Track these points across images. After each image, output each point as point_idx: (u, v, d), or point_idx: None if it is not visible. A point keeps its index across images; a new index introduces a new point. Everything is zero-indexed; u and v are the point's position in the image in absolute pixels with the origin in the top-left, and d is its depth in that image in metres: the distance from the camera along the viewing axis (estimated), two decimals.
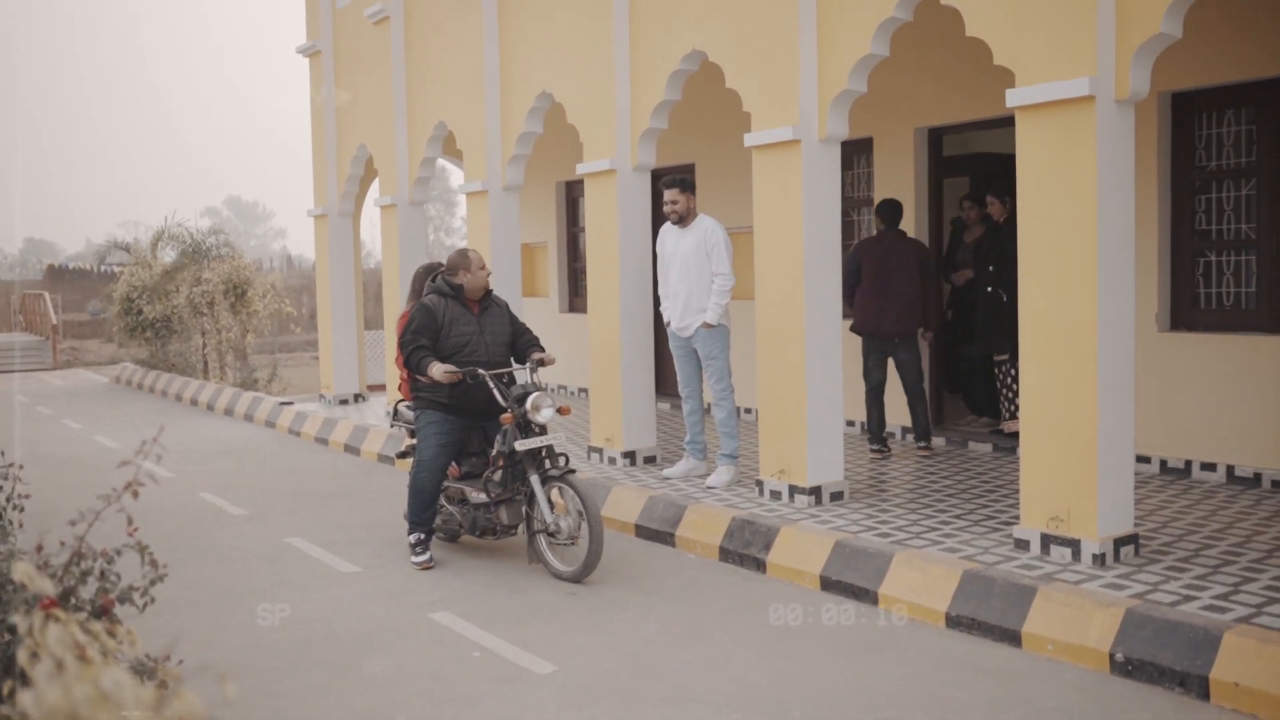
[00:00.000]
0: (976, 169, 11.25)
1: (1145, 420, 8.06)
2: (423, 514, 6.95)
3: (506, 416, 6.54)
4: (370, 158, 13.18)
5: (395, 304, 12.42)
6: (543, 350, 7.10)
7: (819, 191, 7.29)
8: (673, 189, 8.23)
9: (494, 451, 6.79)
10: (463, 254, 7.04)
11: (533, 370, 6.96)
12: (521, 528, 6.91)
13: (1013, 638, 5.23)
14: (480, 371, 6.71)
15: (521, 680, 5.02)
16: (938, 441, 9.67)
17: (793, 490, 7.42)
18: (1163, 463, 8.07)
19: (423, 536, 6.96)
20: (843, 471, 7.58)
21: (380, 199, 12.69)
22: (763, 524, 6.80)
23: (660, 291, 8.49)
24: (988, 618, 5.38)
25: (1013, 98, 5.92)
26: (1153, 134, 8.01)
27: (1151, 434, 8.08)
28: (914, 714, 4.51)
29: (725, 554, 6.86)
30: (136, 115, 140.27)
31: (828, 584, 6.19)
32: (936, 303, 9.44)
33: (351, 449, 11.75)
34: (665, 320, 8.46)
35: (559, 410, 6.67)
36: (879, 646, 5.30)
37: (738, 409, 9.38)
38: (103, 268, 28.10)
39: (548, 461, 6.68)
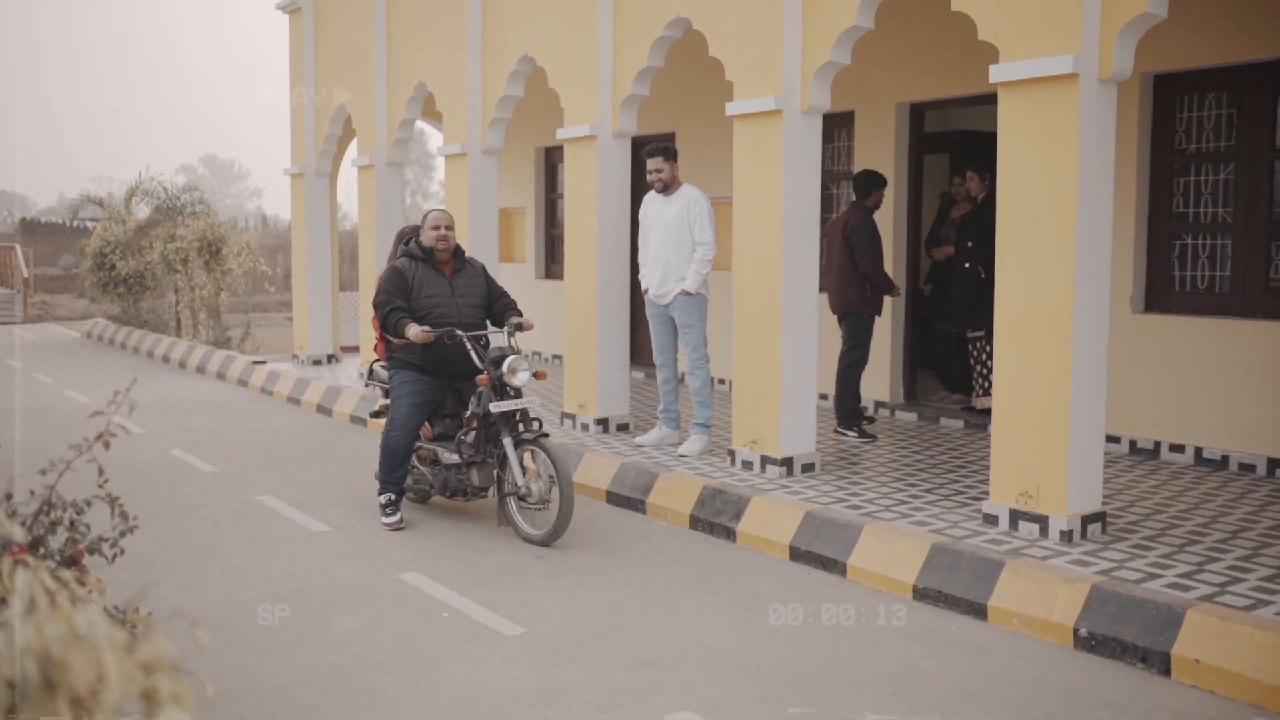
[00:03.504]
0: (957, 146, 11.27)
1: (1116, 400, 8.13)
2: (393, 474, 6.94)
3: (482, 378, 6.53)
4: (349, 118, 13.06)
5: (372, 265, 12.35)
6: (520, 314, 7.06)
7: (799, 163, 7.28)
8: (656, 157, 8.20)
9: (468, 413, 6.76)
10: (424, 214, 7.07)
11: (510, 334, 6.93)
12: (492, 490, 6.90)
13: (979, 611, 5.29)
14: (458, 332, 6.67)
15: (490, 641, 5.03)
16: (907, 417, 9.72)
17: (764, 461, 7.45)
18: (1132, 443, 8.14)
19: (393, 497, 6.95)
20: (815, 443, 7.61)
21: (358, 159, 12.58)
22: (733, 493, 6.83)
23: (640, 259, 8.47)
24: (954, 590, 5.43)
25: (996, 74, 5.92)
26: (1134, 116, 8.04)
27: (1122, 414, 8.15)
28: (880, 683, 4.55)
29: (696, 522, 6.89)
30: (111, 70, 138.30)
31: (797, 554, 6.22)
32: (855, 281, 8.68)
33: (324, 410, 11.70)
34: (644, 288, 8.45)
35: (535, 374, 6.65)
36: (847, 616, 5.34)
37: (712, 379, 9.38)
38: (75, 222, 27.79)
39: (521, 425, 6.66)
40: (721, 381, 11.19)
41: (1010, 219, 5.94)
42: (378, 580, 5.94)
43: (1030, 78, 5.75)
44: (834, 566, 6.01)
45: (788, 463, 7.40)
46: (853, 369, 8.84)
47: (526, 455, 6.62)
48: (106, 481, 4.03)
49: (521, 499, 6.56)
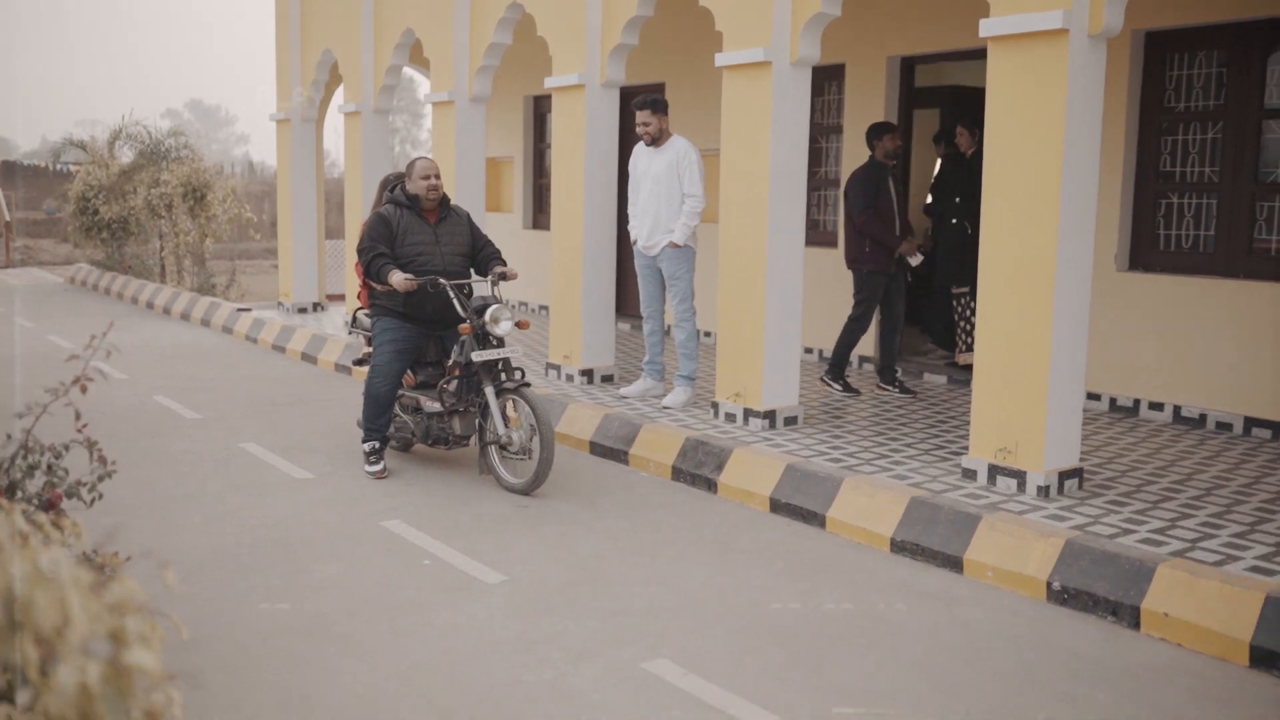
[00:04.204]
0: (947, 101, 11.22)
1: (1097, 358, 8.18)
2: (377, 420, 6.93)
3: (465, 327, 6.52)
4: (335, 63, 12.93)
5: (357, 212, 12.29)
6: (504, 264, 7.03)
7: (788, 115, 7.24)
8: (644, 110, 8.14)
9: (450, 361, 6.76)
10: (410, 162, 6.99)
11: (494, 283, 6.91)
12: (474, 439, 6.92)
13: (955, 564, 5.34)
14: (441, 280, 6.64)
15: (471, 589, 5.07)
16: None
17: (747, 413, 7.48)
18: (1112, 400, 8.19)
19: (377, 445, 6.96)
20: (798, 396, 7.64)
21: (344, 105, 12.47)
22: (715, 445, 6.86)
23: (629, 210, 8.44)
24: (931, 544, 5.48)
25: (986, 28, 5.89)
26: (1124, 73, 8.01)
27: (1103, 372, 8.20)
28: (854, 634, 4.61)
29: (678, 473, 6.93)
30: (97, 11, 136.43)
31: (777, 506, 6.27)
32: (855, 236, 8.62)
33: (309, 357, 11.69)
34: (632, 239, 8.43)
35: (518, 324, 6.64)
36: (824, 568, 5.39)
37: (699, 332, 9.39)
38: (59, 166, 27.50)
39: (504, 374, 6.67)
40: (708, 334, 11.20)
41: (996, 174, 5.93)
42: (360, 528, 5.97)
43: (1020, 32, 5.72)
44: (814, 519, 6.05)
45: (770, 415, 7.43)
46: (853, 324, 8.76)
47: (509, 404, 6.64)
48: (85, 426, 4.03)
49: (503, 448, 6.58)
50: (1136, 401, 8.06)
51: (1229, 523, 5.50)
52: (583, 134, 8.83)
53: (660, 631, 4.61)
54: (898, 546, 5.61)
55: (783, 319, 7.40)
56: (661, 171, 8.12)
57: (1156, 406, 7.95)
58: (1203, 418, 7.68)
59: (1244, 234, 7.66)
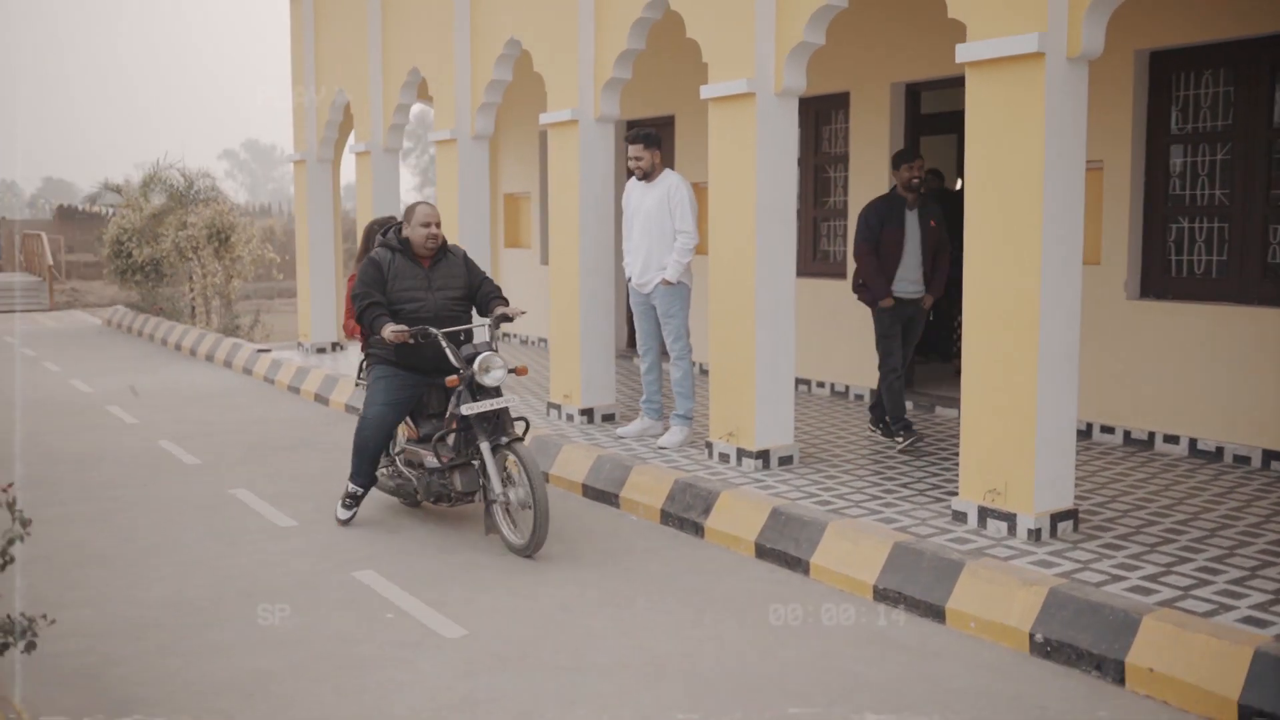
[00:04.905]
0: (960, 127, 10.95)
1: (1110, 390, 7.88)
2: (363, 468, 6.70)
3: (452, 379, 6.16)
4: (349, 104, 12.95)
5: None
6: (506, 302, 6.67)
7: (774, 146, 7.06)
8: (636, 144, 7.99)
9: (447, 413, 6.43)
10: (410, 207, 6.68)
11: (494, 327, 6.57)
12: (480, 495, 6.47)
13: (937, 613, 5.09)
14: (431, 330, 6.31)
15: (427, 644, 4.90)
16: None
17: (740, 453, 7.26)
18: (1126, 433, 7.87)
19: (359, 491, 6.76)
20: (793, 435, 7.42)
21: (355, 145, 12.47)
22: (703, 487, 6.66)
23: (624, 247, 8.29)
24: (914, 592, 5.23)
25: (962, 53, 5.68)
26: (1128, 95, 7.74)
27: (1116, 404, 7.89)
28: (814, 690, 4.38)
29: (666, 517, 6.73)
30: (160, 55, 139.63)
31: (763, 551, 6.05)
32: (864, 269, 7.90)
33: (321, 398, 11.64)
34: (626, 276, 8.27)
35: (514, 370, 6.32)
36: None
37: (695, 367, 9.18)
38: (107, 210, 27.94)
39: (502, 426, 6.24)
40: (705, 371, 10.97)
41: (976, 205, 5.71)
42: (330, 578, 5.83)
43: (995, 57, 5.50)
44: (798, 565, 5.82)
45: (764, 455, 7.21)
46: (881, 368, 7.99)
47: (508, 459, 6.18)
48: (10, 486, 3.94)
49: (505, 506, 6.19)
50: (1151, 434, 7.74)
51: (1228, 567, 5.20)
52: (577, 170, 8.71)
53: (614, 690, 4.42)
54: (880, 595, 5.36)
55: (774, 355, 7.20)
56: (653, 207, 7.96)
57: (1172, 439, 7.62)
58: (1219, 451, 7.34)
59: (1258, 258, 7.34)
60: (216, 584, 5.76)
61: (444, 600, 5.46)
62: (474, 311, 6.86)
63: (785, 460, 7.31)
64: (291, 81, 14.18)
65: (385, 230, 6.87)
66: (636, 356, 8.30)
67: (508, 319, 6.52)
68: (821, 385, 10.21)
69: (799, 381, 10.08)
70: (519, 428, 6.35)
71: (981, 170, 5.66)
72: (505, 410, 6.23)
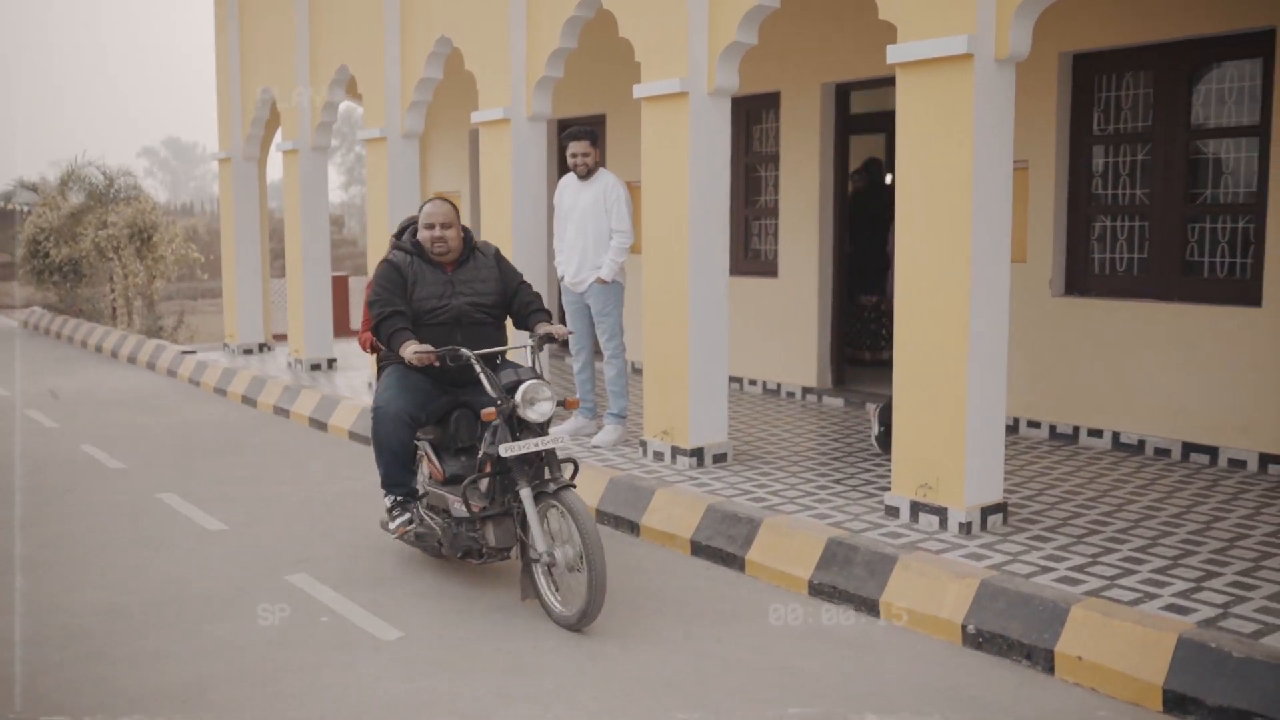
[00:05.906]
0: (890, 126, 11.11)
1: (1035, 386, 8.04)
2: (392, 473, 5.71)
3: (488, 412, 5.11)
4: (275, 101, 12.77)
5: (297, 252, 12.13)
6: (549, 316, 5.74)
7: (707, 146, 7.11)
8: (583, 141, 7.94)
9: (480, 453, 5.35)
10: (422, 206, 5.81)
11: (535, 349, 5.56)
12: (517, 550, 5.39)
13: (871, 607, 5.16)
14: (464, 352, 5.30)
15: (364, 647, 4.86)
16: (834, 403, 9.60)
17: (675, 451, 7.30)
18: (1052, 428, 8.05)
19: (398, 499, 5.74)
20: (727, 433, 7.47)
21: (282, 143, 12.30)
22: (639, 486, 6.68)
23: (556, 245, 8.28)
24: (848, 586, 5.30)
25: (892, 54, 5.77)
26: (1052, 95, 7.91)
27: (1041, 399, 8.06)
28: (758, 686, 4.42)
29: (602, 516, 6.73)
30: (76, 50, 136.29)
31: (698, 549, 6.08)
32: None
33: (249, 400, 11.47)
34: (559, 275, 8.26)
35: (563, 403, 5.39)
36: (736, 615, 5.21)
37: (629, 366, 9.21)
38: (23, 207, 27.22)
39: (547, 470, 5.15)
40: (639, 370, 11.02)
41: (906, 204, 5.80)
42: (262, 583, 5.75)
43: (924, 58, 5.60)
44: (734, 561, 5.87)
45: (698, 453, 7.25)
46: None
47: (554, 511, 5.13)
48: None
49: (549, 566, 5.09)
50: (1076, 428, 7.92)
51: (1152, 557, 5.34)
52: (509, 169, 8.69)
53: (555, 688, 4.42)
54: (815, 589, 5.42)
55: (707, 353, 7.24)
56: (589, 206, 7.96)
57: (1095, 433, 7.81)
58: (1141, 444, 7.54)
59: (1177, 256, 7.55)
60: (147, 590, 5.65)
61: (378, 602, 5.41)
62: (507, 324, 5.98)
63: (720, 458, 7.36)
64: (216, 78, 13.95)
65: (401, 231, 6.01)
66: (569, 355, 8.31)
67: (553, 340, 5.63)
68: (754, 383, 10.29)
69: (732, 379, 10.14)
70: (567, 470, 5.27)
71: (912, 169, 5.75)
72: (553, 451, 5.17)
